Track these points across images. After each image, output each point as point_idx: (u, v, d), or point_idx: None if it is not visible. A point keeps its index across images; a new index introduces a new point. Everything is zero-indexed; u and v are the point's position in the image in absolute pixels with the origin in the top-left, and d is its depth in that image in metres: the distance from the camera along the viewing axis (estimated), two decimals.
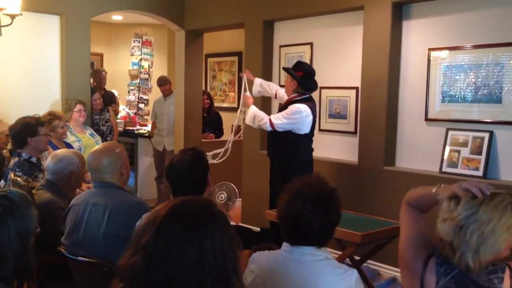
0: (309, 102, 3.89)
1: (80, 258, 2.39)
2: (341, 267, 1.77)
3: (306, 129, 3.84)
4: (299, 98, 3.89)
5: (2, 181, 3.46)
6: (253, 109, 3.91)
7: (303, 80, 3.87)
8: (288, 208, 1.76)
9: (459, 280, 1.46)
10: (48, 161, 2.98)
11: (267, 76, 5.13)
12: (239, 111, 4.24)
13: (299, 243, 1.75)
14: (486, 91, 3.66)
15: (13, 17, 4.21)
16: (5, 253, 1.67)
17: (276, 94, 4.30)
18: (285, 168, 3.83)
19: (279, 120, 3.76)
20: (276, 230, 3.68)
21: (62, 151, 3.13)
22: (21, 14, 4.28)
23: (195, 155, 2.32)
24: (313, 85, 3.94)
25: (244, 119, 4.11)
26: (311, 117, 3.84)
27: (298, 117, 3.77)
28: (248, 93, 4.10)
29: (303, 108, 3.79)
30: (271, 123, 3.75)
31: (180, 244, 1.14)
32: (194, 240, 1.15)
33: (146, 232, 1.19)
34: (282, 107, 3.96)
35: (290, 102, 3.89)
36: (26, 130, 3.51)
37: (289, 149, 3.87)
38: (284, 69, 4.10)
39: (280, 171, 3.88)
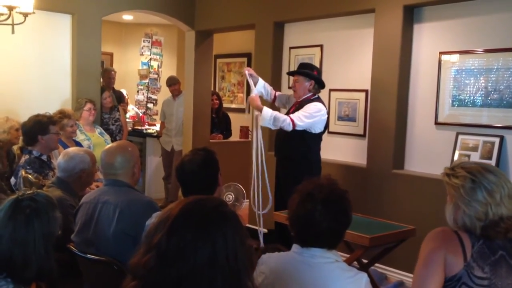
0: (321, 101, 3.93)
1: (89, 256, 2.41)
2: (351, 270, 1.77)
3: (320, 128, 3.86)
4: (313, 97, 3.94)
5: (13, 178, 3.49)
6: (269, 111, 3.80)
7: (320, 77, 4.00)
8: (299, 209, 1.76)
9: (489, 245, 1.65)
10: (59, 158, 3.00)
11: (276, 78, 5.13)
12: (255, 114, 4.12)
13: (310, 245, 1.75)
14: (496, 95, 3.64)
15: (26, 15, 4.23)
16: (30, 255, 1.68)
17: (274, 97, 4.26)
18: (297, 169, 3.81)
19: (301, 120, 3.73)
20: (281, 231, 3.70)
21: (73, 149, 3.15)
22: (33, 13, 4.31)
23: (206, 155, 2.32)
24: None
25: (255, 120, 4.00)
26: (326, 116, 3.90)
27: (319, 115, 3.80)
28: (254, 94, 4.03)
29: (321, 106, 3.86)
30: (293, 124, 3.72)
31: (193, 244, 1.15)
32: (207, 240, 1.15)
33: (159, 231, 1.19)
34: (296, 108, 3.94)
35: (305, 101, 3.90)
36: (38, 128, 3.54)
37: (302, 149, 3.87)
38: (297, 72, 4.01)
39: (291, 172, 3.85)
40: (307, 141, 3.86)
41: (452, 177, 1.69)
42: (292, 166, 3.89)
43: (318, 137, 3.92)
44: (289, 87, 4.51)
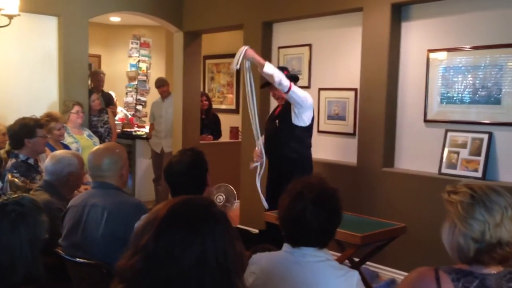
0: None
1: (78, 259, 2.37)
2: (342, 268, 1.76)
3: (308, 118, 3.82)
4: None
5: (0, 182, 3.44)
6: (272, 65, 3.70)
7: (290, 75, 3.92)
8: (289, 209, 1.75)
9: None
10: (46, 161, 2.96)
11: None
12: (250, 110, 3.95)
13: (301, 244, 1.74)
14: (484, 92, 3.66)
15: (11, 17, 4.19)
16: (17, 261, 1.65)
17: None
18: (292, 166, 3.78)
19: (297, 89, 3.69)
20: (272, 231, 3.67)
21: (61, 152, 3.11)
22: (19, 15, 4.26)
23: (194, 156, 2.31)
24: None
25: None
26: (312, 107, 3.86)
27: (308, 98, 3.77)
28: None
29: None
30: (290, 87, 3.64)
31: (181, 244, 1.12)
32: (195, 240, 1.13)
33: (146, 232, 1.17)
34: (283, 106, 3.92)
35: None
36: (24, 131, 3.49)
37: (294, 144, 3.83)
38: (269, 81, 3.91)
39: (286, 169, 3.80)
40: (299, 136, 3.83)
41: (452, 194, 1.55)
42: (286, 163, 3.84)
43: (308, 131, 3.89)
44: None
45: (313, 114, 3.91)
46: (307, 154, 3.94)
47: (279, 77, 3.63)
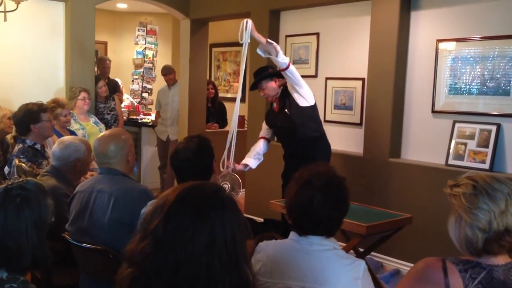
0: None
1: (84, 244, 2.39)
2: (348, 257, 1.75)
3: (311, 96, 3.75)
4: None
5: (7, 167, 3.46)
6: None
7: (276, 70, 3.82)
8: (297, 197, 1.74)
9: (487, 283, 1.45)
10: (54, 147, 2.96)
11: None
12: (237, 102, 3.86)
13: (308, 232, 1.74)
14: (493, 84, 3.63)
15: (18, 2, 4.18)
16: (23, 246, 1.65)
17: (267, 140, 4.06)
18: (316, 145, 3.75)
19: (295, 69, 3.65)
20: (277, 220, 3.61)
21: (69, 137, 3.10)
22: (26, 0, 4.25)
23: (200, 142, 2.30)
24: None
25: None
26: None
27: (303, 82, 3.71)
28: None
29: None
30: (289, 64, 3.58)
31: (190, 229, 1.12)
32: (204, 225, 1.13)
33: (155, 217, 1.17)
34: (279, 101, 3.87)
35: (281, 93, 3.83)
36: (29, 117, 3.50)
37: (313, 123, 3.76)
38: (258, 80, 3.85)
39: (311, 152, 3.72)
40: (312, 116, 3.75)
41: (454, 187, 1.55)
42: (308, 145, 3.76)
43: (316, 109, 3.83)
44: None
45: (312, 93, 3.85)
46: (323, 131, 3.89)
47: (280, 57, 3.55)
